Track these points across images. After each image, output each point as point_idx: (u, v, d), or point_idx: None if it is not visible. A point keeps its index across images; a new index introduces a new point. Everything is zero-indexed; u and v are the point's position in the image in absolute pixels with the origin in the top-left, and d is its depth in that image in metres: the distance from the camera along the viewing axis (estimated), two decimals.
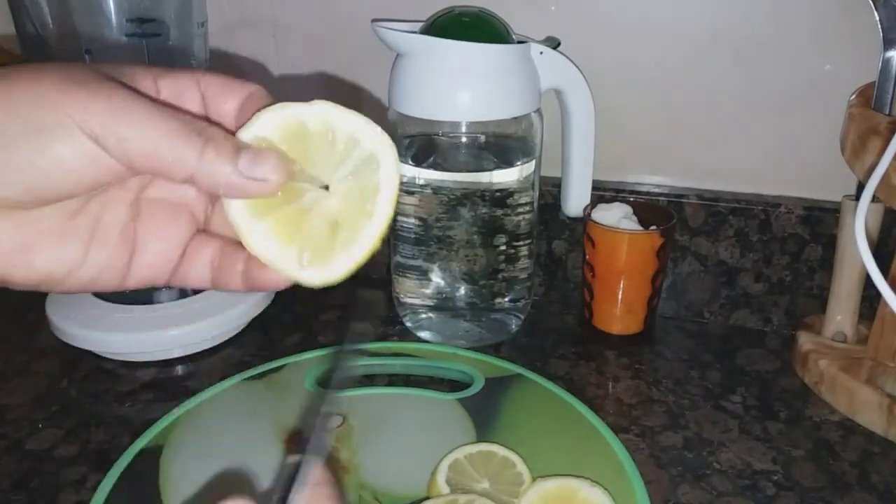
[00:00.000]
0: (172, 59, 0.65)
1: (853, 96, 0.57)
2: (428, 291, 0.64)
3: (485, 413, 0.52)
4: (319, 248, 0.29)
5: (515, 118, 0.59)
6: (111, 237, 0.31)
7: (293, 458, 0.27)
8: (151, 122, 0.27)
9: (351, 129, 0.29)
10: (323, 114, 0.29)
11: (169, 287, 0.33)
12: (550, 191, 0.68)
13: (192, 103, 0.31)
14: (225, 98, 0.31)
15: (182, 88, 0.31)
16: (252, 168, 0.28)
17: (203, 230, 0.33)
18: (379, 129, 0.29)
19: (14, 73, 0.26)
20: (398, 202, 0.30)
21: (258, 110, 0.29)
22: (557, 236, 0.70)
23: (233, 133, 0.29)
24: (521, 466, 0.46)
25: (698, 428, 0.54)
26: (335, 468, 0.29)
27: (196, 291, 0.63)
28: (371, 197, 0.29)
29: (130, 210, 0.31)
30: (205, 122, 0.29)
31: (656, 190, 0.67)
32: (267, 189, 0.28)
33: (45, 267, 0.29)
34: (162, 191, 0.32)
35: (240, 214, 0.29)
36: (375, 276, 0.73)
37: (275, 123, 0.29)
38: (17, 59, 0.71)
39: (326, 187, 0.30)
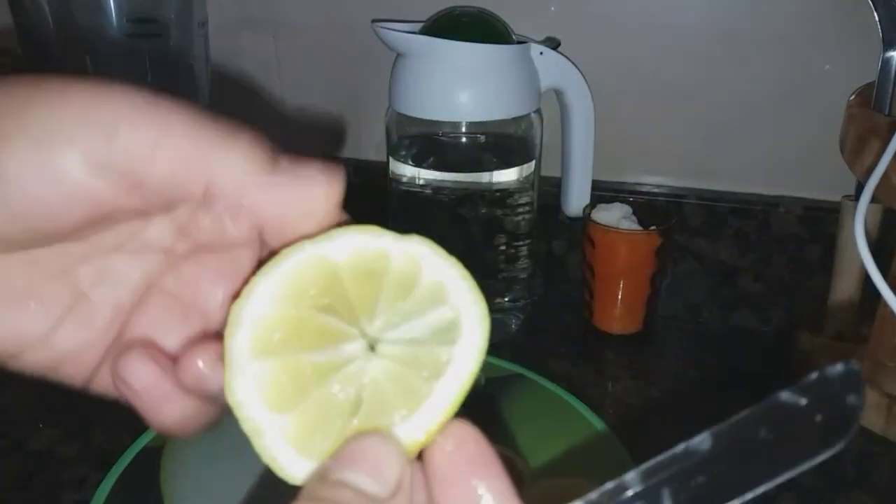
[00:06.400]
0: (173, 59, 0.65)
1: (853, 96, 0.57)
2: None
3: (485, 413, 0.52)
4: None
5: (515, 118, 0.59)
6: (96, 318, 0.25)
7: None
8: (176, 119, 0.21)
9: (440, 279, 0.22)
10: (413, 251, 0.22)
11: None
12: (550, 191, 0.68)
13: None
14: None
15: None
16: (296, 168, 0.22)
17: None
18: (475, 291, 0.22)
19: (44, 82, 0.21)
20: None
21: (334, 226, 0.23)
22: (557, 236, 0.70)
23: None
24: (521, 466, 0.46)
25: (698, 427, 0.53)
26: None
27: None
28: (428, 377, 0.22)
29: (133, 294, 0.25)
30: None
31: (656, 190, 0.67)
32: (318, 204, 0.22)
33: None
34: (179, 284, 0.25)
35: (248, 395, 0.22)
36: None
37: (355, 247, 0.22)
38: (17, 58, 0.71)
39: (371, 345, 0.22)
